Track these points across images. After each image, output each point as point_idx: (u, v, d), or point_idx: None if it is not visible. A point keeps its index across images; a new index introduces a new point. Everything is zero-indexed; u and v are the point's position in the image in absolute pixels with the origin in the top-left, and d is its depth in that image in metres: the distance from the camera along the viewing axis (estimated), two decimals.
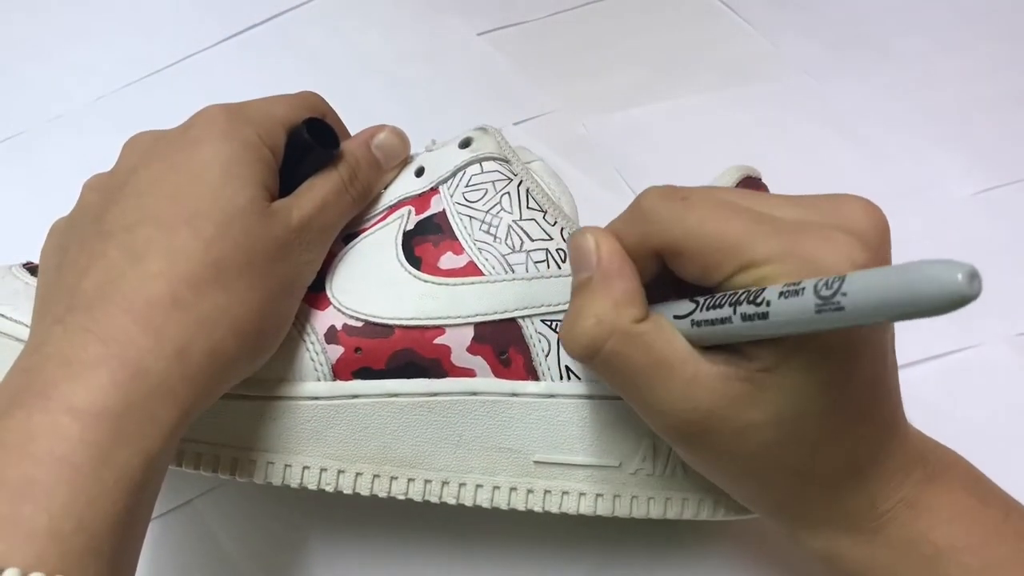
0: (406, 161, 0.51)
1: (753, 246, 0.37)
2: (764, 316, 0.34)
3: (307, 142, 0.46)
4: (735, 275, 0.37)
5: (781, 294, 0.33)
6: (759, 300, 0.34)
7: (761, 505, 0.44)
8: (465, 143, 0.49)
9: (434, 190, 0.48)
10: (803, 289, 0.32)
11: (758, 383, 0.37)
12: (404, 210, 0.48)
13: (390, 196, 0.50)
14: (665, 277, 0.41)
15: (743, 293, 0.35)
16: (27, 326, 0.45)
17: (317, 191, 0.45)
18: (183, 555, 0.54)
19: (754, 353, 0.37)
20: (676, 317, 0.39)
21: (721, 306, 0.36)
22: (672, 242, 0.39)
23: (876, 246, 0.37)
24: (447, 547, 0.54)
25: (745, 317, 0.35)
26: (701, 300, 0.38)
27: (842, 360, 0.37)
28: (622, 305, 0.39)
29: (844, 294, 0.30)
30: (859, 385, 0.38)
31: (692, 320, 0.38)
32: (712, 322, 0.37)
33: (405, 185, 0.50)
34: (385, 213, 0.49)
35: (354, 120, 0.51)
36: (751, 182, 0.49)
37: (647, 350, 0.39)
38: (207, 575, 0.53)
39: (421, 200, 0.48)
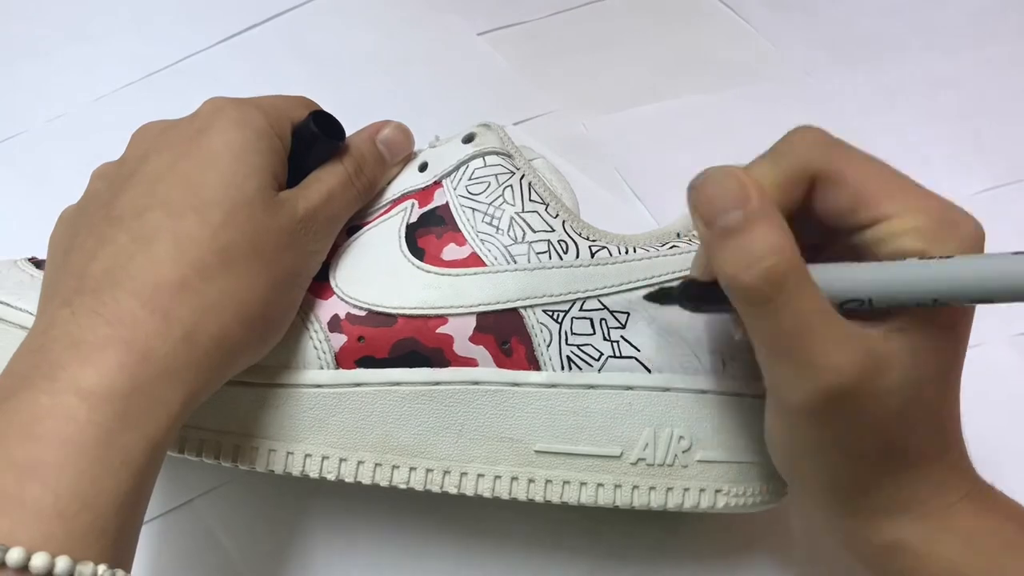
0: (410, 157, 0.52)
1: (914, 197, 0.38)
2: (948, 257, 0.35)
3: (314, 134, 0.46)
4: (890, 218, 0.37)
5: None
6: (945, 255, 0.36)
7: (834, 493, 0.43)
8: (468, 138, 0.50)
9: (437, 184, 0.49)
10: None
11: (894, 343, 0.38)
12: (407, 203, 0.49)
13: (394, 190, 0.50)
14: None
15: None
16: (32, 314, 0.45)
17: (324, 183, 0.46)
18: (183, 555, 0.54)
19: (887, 312, 0.38)
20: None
21: None
22: (834, 169, 0.39)
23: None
24: (447, 547, 0.54)
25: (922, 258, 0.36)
26: None
27: (957, 329, 0.39)
28: (793, 241, 0.37)
29: None
30: (958, 362, 0.40)
31: (853, 262, 0.38)
32: (882, 263, 0.37)
33: (409, 179, 0.50)
34: (389, 206, 0.49)
35: (354, 120, 0.51)
36: None
37: (817, 294, 0.37)
38: (207, 575, 0.53)
39: (424, 193, 0.49)
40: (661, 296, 0.44)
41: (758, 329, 0.39)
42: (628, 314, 0.46)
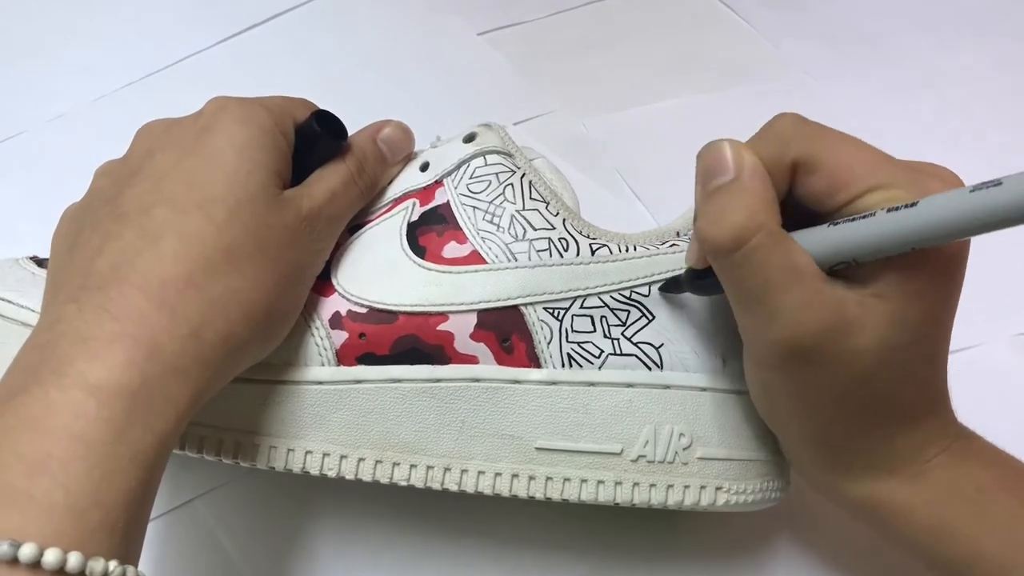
0: (411, 156, 0.52)
1: (885, 171, 0.40)
2: (913, 204, 0.36)
3: (316, 133, 0.46)
4: (865, 194, 0.39)
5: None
6: (911, 202, 0.37)
7: (813, 447, 0.45)
8: (469, 138, 0.50)
9: (438, 183, 0.49)
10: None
11: (870, 308, 0.39)
12: (409, 202, 0.49)
13: (395, 190, 0.50)
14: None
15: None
16: (34, 311, 0.45)
17: (326, 182, 0.46)
18: (183, 555, 0.53)
19: (869, 278, 0.39)
20: (814, 225, 0.41)
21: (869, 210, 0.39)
22: (810, 156, 0.40)
23: None
24: (448, 548, 0.54)
25: (891, 209, 0.37)
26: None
27: (938, 296, 0.40)
28: (768, 205, 0.40)
29: (1006, 178, 0.33)
30: (941, 326, 0.41)
31: (832, 222, 0.40)
32: (854, 219, 0.39)
33: (410, 179, 0.50)
34: (390, 205, 0.49)
35: (355, 120, 0.51)
36: None
37: (787, 254, 0.39)
38: (207, 575, 0.53)
39: (425, 193, 0.49)
40: (671, 286, 0.46)
41: (728, 282, 0.42)
42: (628, 311, 0.46)
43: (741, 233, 0.39)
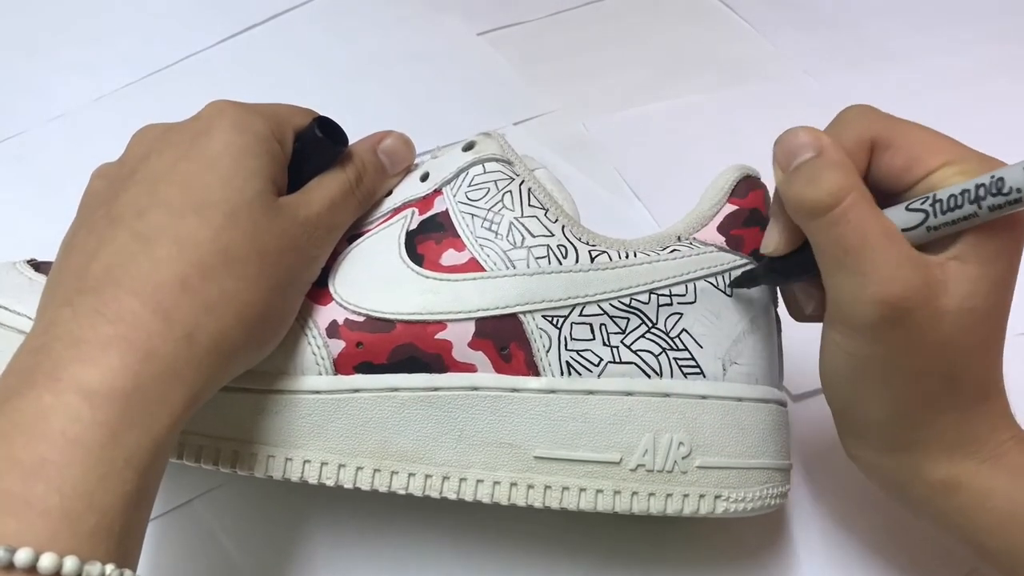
0: (411, 167, 0.52)
1: (956, 148, 0.43)
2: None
3: (318, 139, 0.47)
4: (939, 168, 0.42)
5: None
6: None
7: (894, 422, 0.45)
8: (468, 146, 0.50)
9: (437, 191, 0.49)
10: None
11: (950, 272, 0.41)
12: (408, 211, 0.49)
13: (395, 199, 0.50)
14: None
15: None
16: (31, 319, 0.45)
17: (324, 190, 0.46)
18: (183, 555, 0.53)
19: (945, 243, 0.42)
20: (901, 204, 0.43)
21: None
22: (887, 134, 0.43)
23: None
24: (447, 549, 0.54)
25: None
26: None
27: (1010, 261, 0.42)
28: (856, 173, 0.42)
29: None
30: (1007, 296, 0.43)
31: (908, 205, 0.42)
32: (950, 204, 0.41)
33: (410, 189, 0.50)
34: (389, 215, 0.49)
35: (354, 120, 0.51)
36: (750, 182, 0.49)
37: (878, 216, 0.41)
38: (207, 575, 0.53)
39: (424, 202, 0.49)
40: (745, 280, 0.47)
41: (825, 243, 0.43)
42: (628, 319, 0.46)
43: (838, 191, 0.41)
